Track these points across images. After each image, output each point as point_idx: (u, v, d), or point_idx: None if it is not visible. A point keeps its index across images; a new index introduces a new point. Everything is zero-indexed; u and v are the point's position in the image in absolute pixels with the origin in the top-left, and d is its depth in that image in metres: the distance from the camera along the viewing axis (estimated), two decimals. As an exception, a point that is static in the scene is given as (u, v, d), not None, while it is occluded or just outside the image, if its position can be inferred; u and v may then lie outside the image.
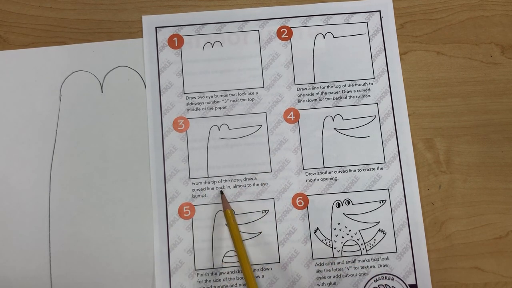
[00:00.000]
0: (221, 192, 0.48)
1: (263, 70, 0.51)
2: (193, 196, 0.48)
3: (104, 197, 0.49)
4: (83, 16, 0.52)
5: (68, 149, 0.49)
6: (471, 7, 0.53)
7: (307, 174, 0.49)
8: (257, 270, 0.47)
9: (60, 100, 0.50)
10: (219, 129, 0.50)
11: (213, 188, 0.49)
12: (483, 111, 0.50)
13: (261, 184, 0.49)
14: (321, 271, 0.47)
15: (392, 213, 0.48)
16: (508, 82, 0.51)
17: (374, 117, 0.50)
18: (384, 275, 0.47)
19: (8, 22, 0.52)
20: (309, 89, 0.51)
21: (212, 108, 0.50)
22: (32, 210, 0.49)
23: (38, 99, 0.50)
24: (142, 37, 0.52)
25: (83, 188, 0.49)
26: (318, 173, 0.49)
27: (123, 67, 0.51)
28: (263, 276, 0.47)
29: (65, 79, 0.50)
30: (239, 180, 0.49)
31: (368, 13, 0.52)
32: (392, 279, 0.46)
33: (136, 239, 0.47)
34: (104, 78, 0.51)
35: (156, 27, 0.52)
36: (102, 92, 0.50)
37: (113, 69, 0.51)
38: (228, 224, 0.47)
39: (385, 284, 0.46)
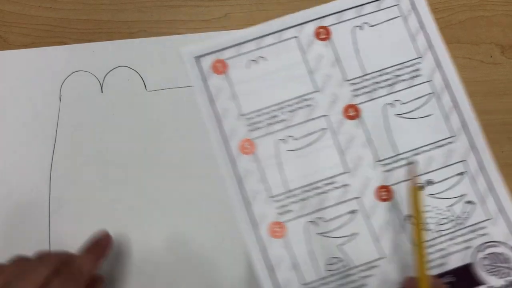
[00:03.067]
0: (410, 163, 0.48)
1: (311, 74, 0.51)
2: (280, 214, 0.48)
3: (104, 197, 0.48)
4: (83, 16, 0.52)
5: (68, 149, 0.49)
6: (471, 7, 0.54)
7: (382, 165, 0.49)
8: (364, 270, 0.47)
9: (60, 100, 0.50)
10: (285, 142, 0.49)
11: (296, 202, 0.48)
12: (483, 111, 0.51)
13: (342, 186, 0.49)
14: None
15: (474, 182, 0.48)
16: (508, 82, 0.52)
17: (431, 94, 0.50)
18: (488, 244, 0.47)
19: (8, 22, 0.52)
20: (361, 82, 0.51)
21: (272, 123, 0.50)
22: (32, 210, 0.48)
23: (38, 99, 0.50)
24: (142, 37, 0.52)
25: (83, 188, 0.49)
26: (393, 162, 0.49)
27: (123, 67, 0.51)
28: (373, 275, 0.47)
29: (65, 79, 0.50)
30: (319, 187, 0.49)
31: (396, -5, 0.52)
32: (497, 246, 0.47)
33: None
34: (104, 78, 0.50)
35: (195, 57, 0.51)
36: (102, 92, 0.50)
37: (113, 69, 0.51)
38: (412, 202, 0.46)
39: (494, 253, 0.47)
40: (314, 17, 0.52)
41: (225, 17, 0.53)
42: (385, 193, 0.49)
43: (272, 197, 0.49)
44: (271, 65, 0.51)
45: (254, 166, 0.49)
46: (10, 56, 0.51)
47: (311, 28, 0.52)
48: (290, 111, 0.50)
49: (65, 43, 0.51)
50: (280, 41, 0.52)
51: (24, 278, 0.39)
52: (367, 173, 0.49)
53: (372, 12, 0.52)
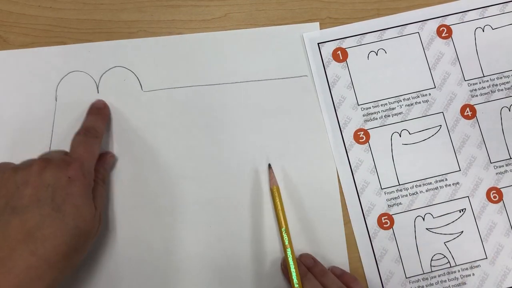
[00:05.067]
0: (269, 166, 0.49)
1: (431, 70, 0.51)
2: (389, 206, 0.49)
3: None
4: (83, 16, 0.52)
5: (64, 149, 0.47)
6: None
7: (495, 167, 0.49)
8: (466, 269, 0.48)
9: (56, 100, 0.50)
10: (400, 136, 0.50)
11: (406, 195, 0.49)
12: None
13: (453, 184, 0.49)
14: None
15: None
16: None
17: (551, 101, 0.50)
18: None
19: (8, 22, 0.52)
20: (480, 83, 0.51)
21: (389, 116, 0.50)
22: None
23: (34, 99, 0.49)
24: (142, 37, 0.52)
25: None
26: (507, 165, 0.49)
27: (119, 68, 0.50)
28: (473, 274, 0.48)
29: (61, 80, 0.50)
30: (430, 183, 0.49)
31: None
32: None
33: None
34: (100, 78, 0.50)
35: (318, 43, 0.51)
36: (98, 92, 0.50)
37: (109, 69, 0.50)
38: (273, 202, 0.47)
39: None
40: (437, 15, 0.52)
41: (225, 17, 0.52)
42: (495, 195, 0.49)
43: (383, 189, 0.49)
44: (390, 57, 0.52)
45: (367, 156, 0.50)
46: (5, 56, 0.50)
47: (433, 25, 0.52)
48: (407, 105, 0.51)
49: (64, 43, 0.51)
50: (402, 35, 0.52)
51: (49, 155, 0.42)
52: (479, 174, 0.49)
53: (496, 15, 0.52)
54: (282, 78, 0.51)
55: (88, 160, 0.42)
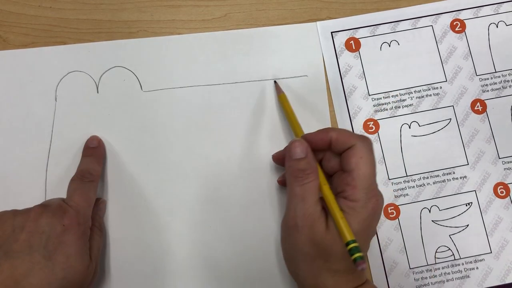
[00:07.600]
0: (275, 82, 0.49)
1: (443, 64, 0.51)
2: (395, 197, 0.49)
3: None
4: (83, 16, 0.51)
5: (63, 150, 0.48)
6: None
7: (504, 163, 0.49)
8: (470, 262, 0.48)
9: (55, 100, 0.49)
10: (409, 127, 0.50)
11: (413, 187, 0.49)
12: None
13: (460, 178, 0.49)
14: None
15: None
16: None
17: (561, 99, 0.50)
18: None
19: (8, 22, 0.51)
20: (491, 78, 0.51)
21: (399, 107, 0.50)
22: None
23: (33, 99, 0.49)
24: (142, 37, 0.51)
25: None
26: (516, 161, 0.49)
27: (118, 68, 0.50)
28: (477, 268, 0.48)
29: (61, 80, 0.50)
30: (438, 176, 0.49)
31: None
32: None
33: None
34: (99, 78, 0.50)
35: (331, 32, 0.52)
36: (97, 92, 0.50)
37: (108, 69, 0.50)
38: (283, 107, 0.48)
39: None
40: (451, 9, 0.53)
41: (225, 17, 0.52)
42: (502, 190, 0.49)
43: (390, 179, 0.49)
44: (403, 49, 0.52)
45: (376, 147, 0.50)
46: (5, 56, 0.50)
47: (447, 19, 0.52)
48: (418, 98, 0.51)
49: (65, 43, 0.50)
50: (415, 28, 0.52)
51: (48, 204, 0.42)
52: (488, 168, 0.50)
53: (510, 11, 0.53)
54: (282, 78, 0.51)
55: (84, 208, 0.41)
